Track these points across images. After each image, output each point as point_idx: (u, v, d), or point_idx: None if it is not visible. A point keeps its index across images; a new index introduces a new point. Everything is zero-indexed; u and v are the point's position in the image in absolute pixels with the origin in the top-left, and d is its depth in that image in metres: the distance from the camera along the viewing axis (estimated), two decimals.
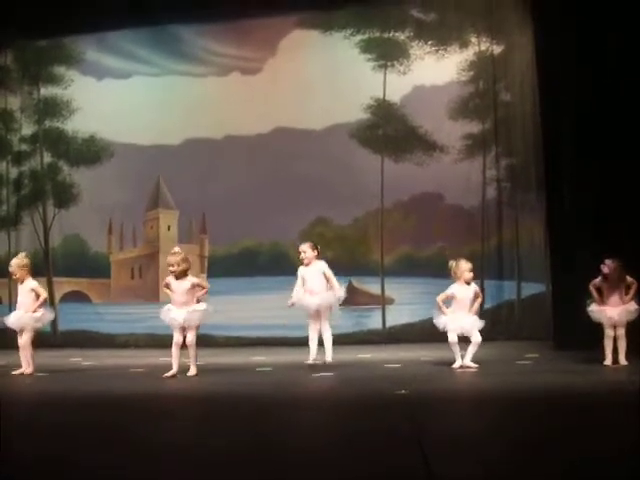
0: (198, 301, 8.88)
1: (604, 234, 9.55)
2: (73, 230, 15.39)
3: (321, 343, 9.12)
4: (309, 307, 9.04)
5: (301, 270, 9.23)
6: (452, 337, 8.85)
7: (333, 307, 9.28)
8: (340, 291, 9.16)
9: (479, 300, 9.02)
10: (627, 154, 10.44)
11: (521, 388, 6.98)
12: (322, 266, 9.17)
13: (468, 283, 9.00)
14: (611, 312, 8.84)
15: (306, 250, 9.23)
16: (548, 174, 11.87)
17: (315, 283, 9.14)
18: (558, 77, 11.48)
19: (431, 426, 4.89)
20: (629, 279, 8.85)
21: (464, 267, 9.00)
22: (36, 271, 11.79)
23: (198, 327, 8.87)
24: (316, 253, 9.24)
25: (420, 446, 4.03)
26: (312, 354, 8.99)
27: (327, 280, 9.14)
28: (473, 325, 8.89)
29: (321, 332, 9.07)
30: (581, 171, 11.09)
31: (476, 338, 8.82)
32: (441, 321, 8.97)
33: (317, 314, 9.05)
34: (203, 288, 9.02)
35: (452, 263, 9.12)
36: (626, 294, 8.85)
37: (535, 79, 12.54)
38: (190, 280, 8.87)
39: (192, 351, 8.76)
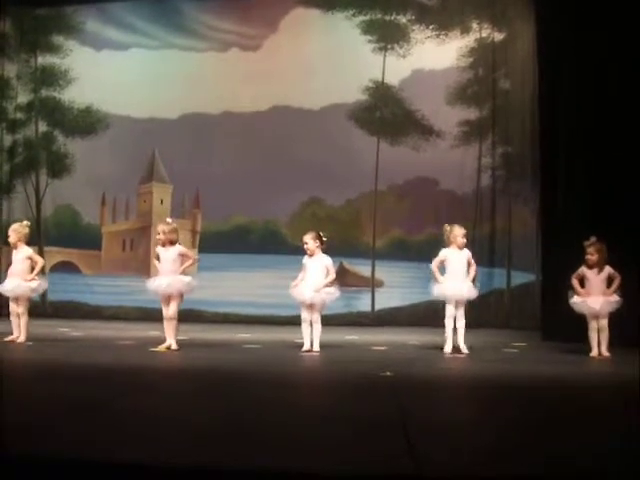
0: (184, 274, 8.89)
1: (597, 226, 9.52)
2: (66, 200, 15.36)
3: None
4: (303, 300, 8.91)
5: (305, 260, 8.96)
6: (449, 310, 8.83)
7: (326, 304, 9.10)
8: (336, 292, 9.03)
9: (474, 267, 9.00)
10: (624, 146, 10.43)
11: (507, 375, 6.99)
12: (326, 261, 8.91)
13: (461, 249, 8.99)
14: (593, 303, 8.85)
15: (308, 241, 8.91)
16: (543, 164, 11.85)
17: (315, 276, 8.86)
18: (558, 67, 11.44)
19: (415, 409, 4.90)
20: (612, 271, 8.86)
21: (457, 232, 8.99)
22: (28, 240, 11.78)
23: (181, 300, 8.89)
24: (318, 244, 8.90)
25: (404, 429, 4.04)
26: (307, 344, 8.91)
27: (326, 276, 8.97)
28: (470, 291, 8.90)
29: (312, 322, 8.93)
30: (577, 163, 11.07)
31: (460, 315, 8.84)
32: (438, 290, 8.95)
33: (311, 307, 8.91)
34: (189, 258, 9.04)
35: (447, 227, 9.12)
36: (608, 287, 8.86)
37: (535, 68, 12.49)
38: (177, 249, 8.90)
39: (172, 324, 8.79)
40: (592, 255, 8.90)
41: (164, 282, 8.76)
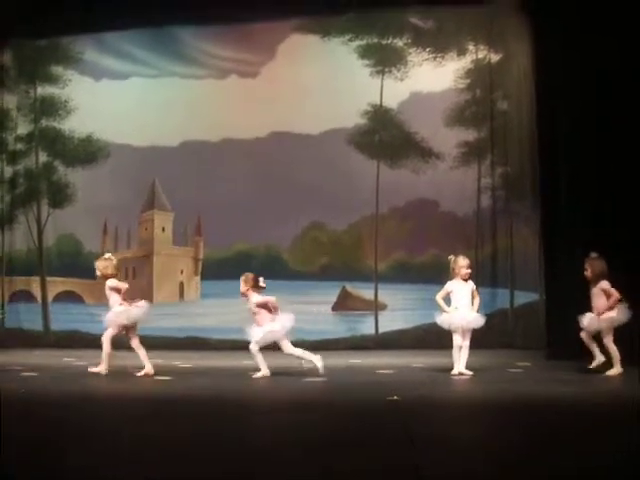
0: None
1: (599, 243, 9.54)
2: (67, 230, 15.36)
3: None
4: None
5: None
6: (457, 340, 8.86)
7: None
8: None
9: (478, 299, 9.04)
10: (623, 163, 10.47)
11: (511, 396, 6.98)
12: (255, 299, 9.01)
13: (465, 280, 9.02)
14: (584, 319, 8.92)
15: (241, 284, 9.14)
16: (543, 183, 11.89)
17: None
18: (555, 86, 11.50)
19: (422, 432, 4.89)
20: (605, 286, 8.86)
21: (461, 263, 9.04)
22: (29, 270, 11.87)
23: (111, 328, 9.25)
24: (248, 287, 9.05)
25: (411, 451, 4.04)
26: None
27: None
28: (477, 319, 8.93)
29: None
30: (576, 180, 11.11)
31: (466, 343, 8.87)
32: (444, 319, 8.98)
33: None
34: (119, 289, 9.27)
35: (451, 258, 9.16)
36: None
37: (532, 88, 12.55)
38: (107, 283, 9.26)
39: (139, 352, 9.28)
40: (585, 270, 8.97)
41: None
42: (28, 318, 14.55)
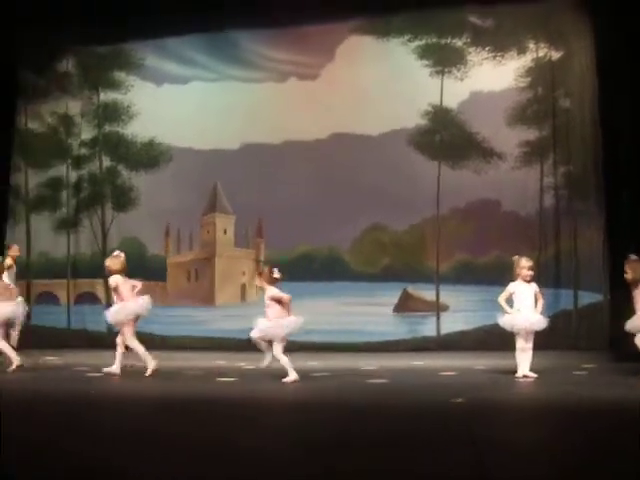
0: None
1: None
2: (131, 233, 15.58)
3: None
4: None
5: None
6: (520, 342, 8.79)
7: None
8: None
9: (541, 301, 8.95)
10: None
11: (575, 399, 6.91)
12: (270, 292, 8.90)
13: (528, 282, 8.94)
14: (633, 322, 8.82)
15: (256, 279, 9.24)
16: (607, 182, 11.73)
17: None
18: (618, 82, 11.34)
19: (486, 434, 4.87)
20: None
21: (524, 264, 8.96)
22: (94, 272, 12.10)
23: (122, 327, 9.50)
24: (263, 281, 8.96)
25: (475, 454, 4.04)
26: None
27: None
28: (540, 321, 8.85)
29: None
30: None
31: (529, 345, 8.79)
32: (506, 320, 8.91)
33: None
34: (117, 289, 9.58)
35: (515, 258, 9.09)
36: None
37: (595, 84, 12.40)
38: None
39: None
40: (625, 273, 8.85)
41: None
42: (93, 319, 14.74)
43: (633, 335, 8.86)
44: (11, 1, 13.43)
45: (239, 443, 4.68)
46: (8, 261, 11.33)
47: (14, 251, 11.96)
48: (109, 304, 10.26)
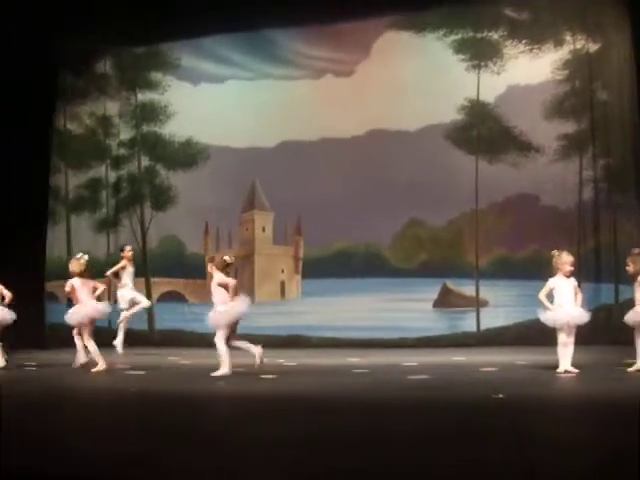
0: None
1: None
2: (170, 231, 15.74)
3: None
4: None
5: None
6: (562, 337, 8.72)
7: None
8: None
9: (580, 296, 8.87)
10: None
11: (619, 395, 6.85)
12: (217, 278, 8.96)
13: (568, 277, 8.87)
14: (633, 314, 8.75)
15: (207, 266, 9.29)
16: None
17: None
18: None
19: (528, 430, 4.87)
20: None
21: (565, 259, 8.86)
22: (135, 272, 12.15)
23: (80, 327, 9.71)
24: (213, 266, 9.03)
25: (518, 450, 4.05)
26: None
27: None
28: (582, 315, 8.78)
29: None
30: None
31: (571, 339, 8.72)
32: (549, 316, 8.84)
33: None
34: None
35: (555, 253, 9.01)
36: None
37: (634, 76, 12.28)
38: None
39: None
40: (627, 266, 8.77)
41: None
42: (134, 318, 14.89)
43: (632, 329, 8.81)
44: (50, 4, 13.56)
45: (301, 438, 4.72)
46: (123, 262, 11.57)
47: (127, 252, 11.91)
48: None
